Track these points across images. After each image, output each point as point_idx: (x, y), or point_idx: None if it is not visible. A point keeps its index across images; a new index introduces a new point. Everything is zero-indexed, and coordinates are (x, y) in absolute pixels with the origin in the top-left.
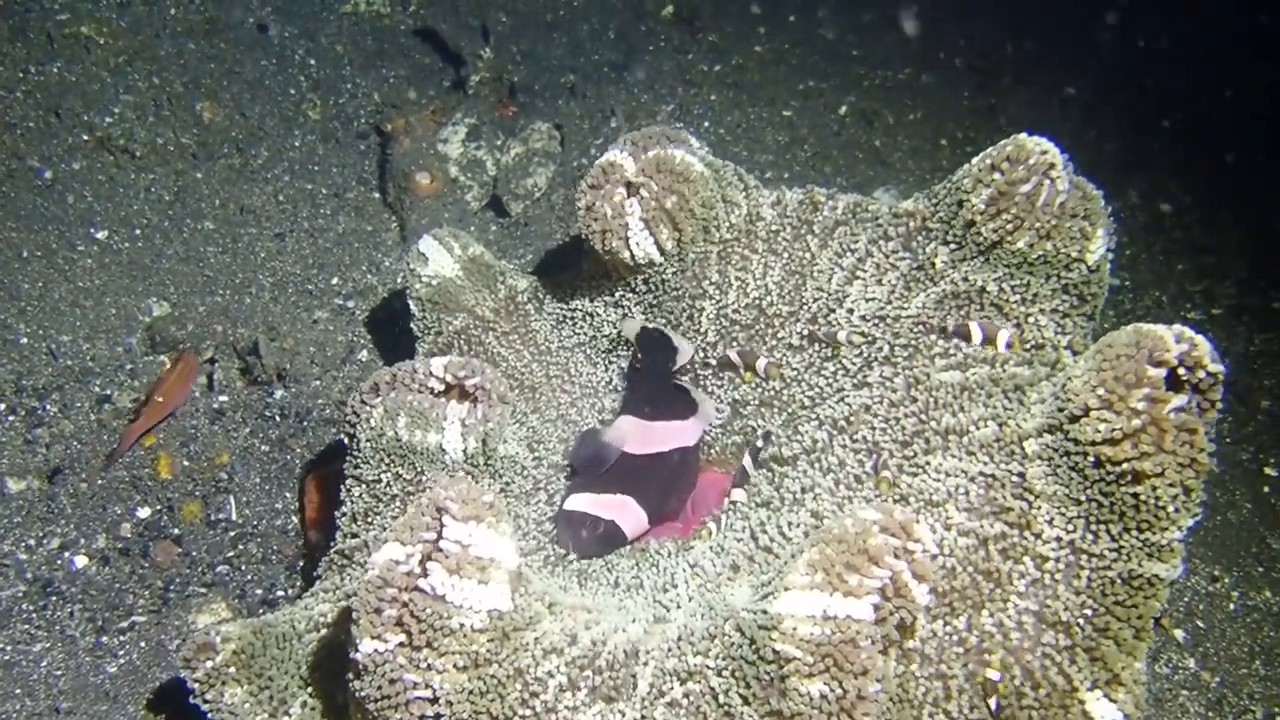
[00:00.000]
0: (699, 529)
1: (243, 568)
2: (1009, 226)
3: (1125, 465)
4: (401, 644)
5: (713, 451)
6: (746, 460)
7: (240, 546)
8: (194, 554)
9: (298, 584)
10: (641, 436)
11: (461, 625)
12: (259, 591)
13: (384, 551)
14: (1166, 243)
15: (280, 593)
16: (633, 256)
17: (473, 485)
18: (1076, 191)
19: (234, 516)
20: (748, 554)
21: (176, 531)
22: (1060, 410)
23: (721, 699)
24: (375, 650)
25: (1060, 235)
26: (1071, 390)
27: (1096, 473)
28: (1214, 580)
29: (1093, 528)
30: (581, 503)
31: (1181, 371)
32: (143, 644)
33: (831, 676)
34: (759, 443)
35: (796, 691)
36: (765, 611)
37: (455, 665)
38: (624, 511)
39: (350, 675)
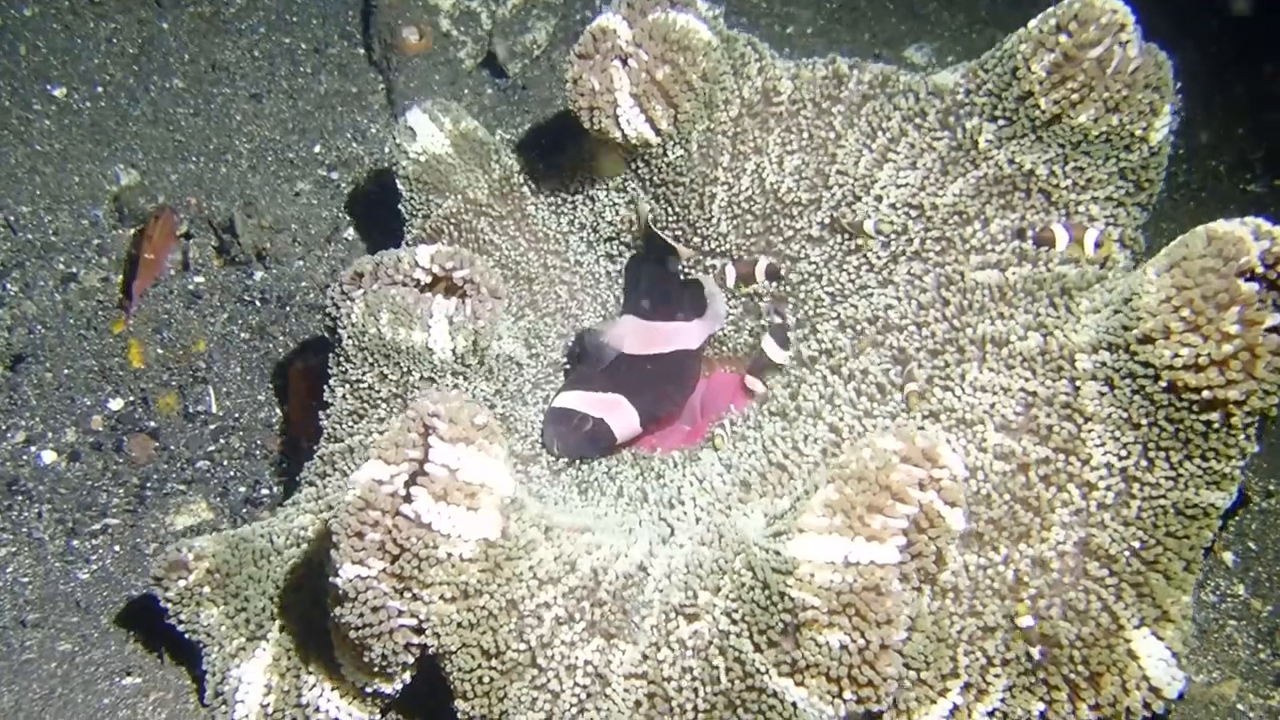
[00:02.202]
0: (708, 435)
1: (224, 463)
2: (1074, 98)
3: (1206, 393)
4: (385, 570)
5: (724, 349)
6: (768, 342)
7: (221, 440)
8: (172, 448)
9: (284, 481)
10: (642, 336)
11: (450, 555)
12: (242, 489)
13: (366, 470)
14: (1225, 102)
15: (265, 490)
16: (624, 136)
17: (463, 401)
18: (1148, 58)
19: (214, 408)
20: (760, 470)
21: (152, 424)
22: (1125, 328)
23: (733, 642)
24: (357, 576)
25: (1129, 108)
26: (1144, 308)
27: (1166, 397)
28: (1268, 495)
29: (1150, 455)
30: (571, 400)
31: (1261, 269)
32: (117, 548)
33: (853, 627)
34: (778, 317)
35: (814, 642)
36: (779, 553)
37: (443, 596)
38: (615, 411)
39: (330, 600)
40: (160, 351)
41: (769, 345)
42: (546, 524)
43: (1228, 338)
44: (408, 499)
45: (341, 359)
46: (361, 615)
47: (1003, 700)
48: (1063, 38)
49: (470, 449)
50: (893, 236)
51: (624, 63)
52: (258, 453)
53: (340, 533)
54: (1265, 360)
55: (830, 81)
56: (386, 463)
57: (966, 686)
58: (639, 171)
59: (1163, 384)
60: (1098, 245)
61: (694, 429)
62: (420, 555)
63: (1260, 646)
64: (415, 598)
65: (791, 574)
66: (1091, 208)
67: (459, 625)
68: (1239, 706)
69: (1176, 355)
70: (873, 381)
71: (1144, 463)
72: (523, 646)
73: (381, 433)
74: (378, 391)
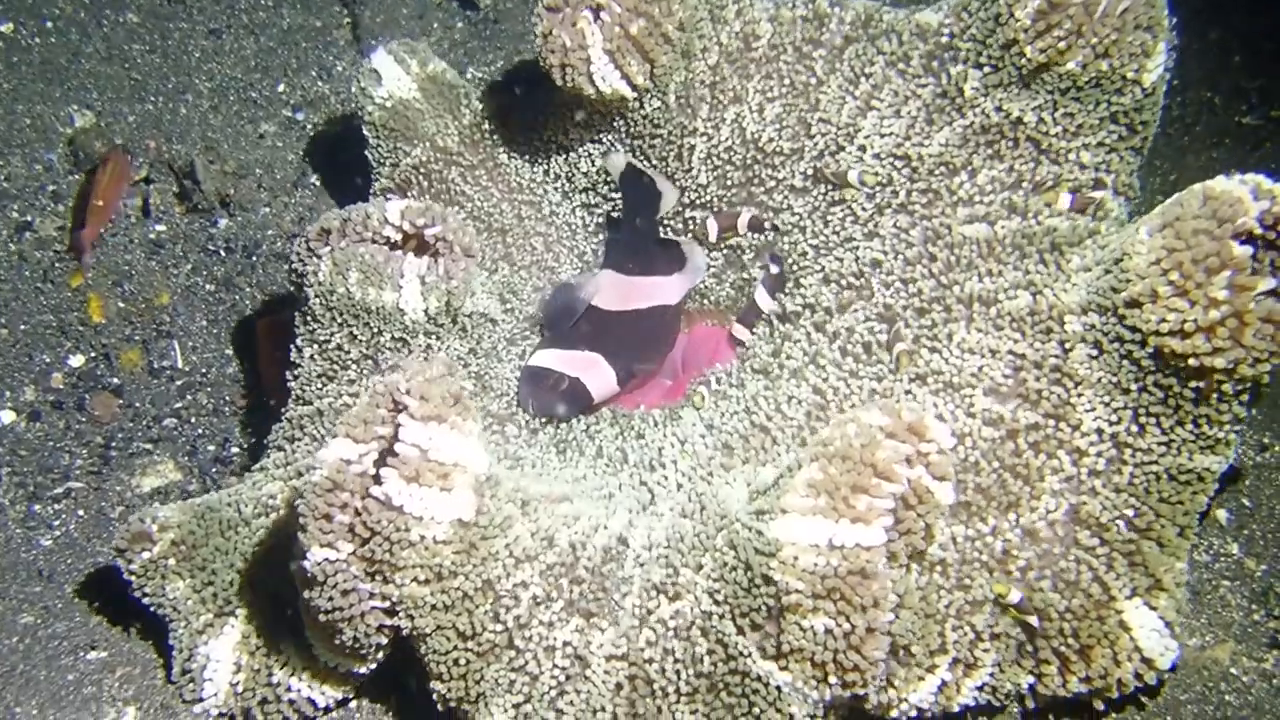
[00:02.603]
0: (690, 392)
1: (192, 420)
2: (1060, 45)
3: (1193, 361)
4: (355, 554)
5: (705, 302)
6: (760, 293)
7: (188, 397)
8: (137, 406)
9: (254, 439)
10: (619, 291)
11: (423, 537)
12: (211, 448)
13: (333, 448)
14: (1222, 31)
15: (235, 448)
16: (599, 93)
17: (434, 374)
18: None
19: (179, 363)
20: (742, 432)
21: (115, 381)
22: (1114, 290)
23: (715, 624)
24: (325, 559)
25: (1120, 52)
26: (1133, 270)
27: (1154, 364)
28: (1263, 449)
29: (1141, 420)
30: (546, 359)
31: (1260, 231)
32: (81, 512)
33: (838, 611)
34: (773, 266)
35: (798, 627)
36: (762, 534)
37: (416, 579)
38: (592, 370)
39: (299, 583)
40: (122, 305)
41: (760, 295)
42: (523, 497)
43: (1215, 303)
44: (377, 480)
45: (309, 318)
46: (331, 599)
47: (991, 675)
48: None
49: (443, 427)
50: (878, 188)
51: (596, 15)
52: (226, 409)
53: (307, 515)
54: (1254, 327)
55: (811, 23)
56: (355, 441)
57: (955, 662)
58: (614, 125)
59: (1149, 349)
60: (1072, 204)
61: (675, 384)
62: (391, 539)
63: (1254, 608)
64: (387, 581)
65: (774, 556)
66: (1083, 155)
67: (433, 607)
68: (1233, 670)
69: (1163, 320)
70: (858, 341)
71: (1135, 428)
72: (499, 628)
73: (352, 395)
74: (347, 352)
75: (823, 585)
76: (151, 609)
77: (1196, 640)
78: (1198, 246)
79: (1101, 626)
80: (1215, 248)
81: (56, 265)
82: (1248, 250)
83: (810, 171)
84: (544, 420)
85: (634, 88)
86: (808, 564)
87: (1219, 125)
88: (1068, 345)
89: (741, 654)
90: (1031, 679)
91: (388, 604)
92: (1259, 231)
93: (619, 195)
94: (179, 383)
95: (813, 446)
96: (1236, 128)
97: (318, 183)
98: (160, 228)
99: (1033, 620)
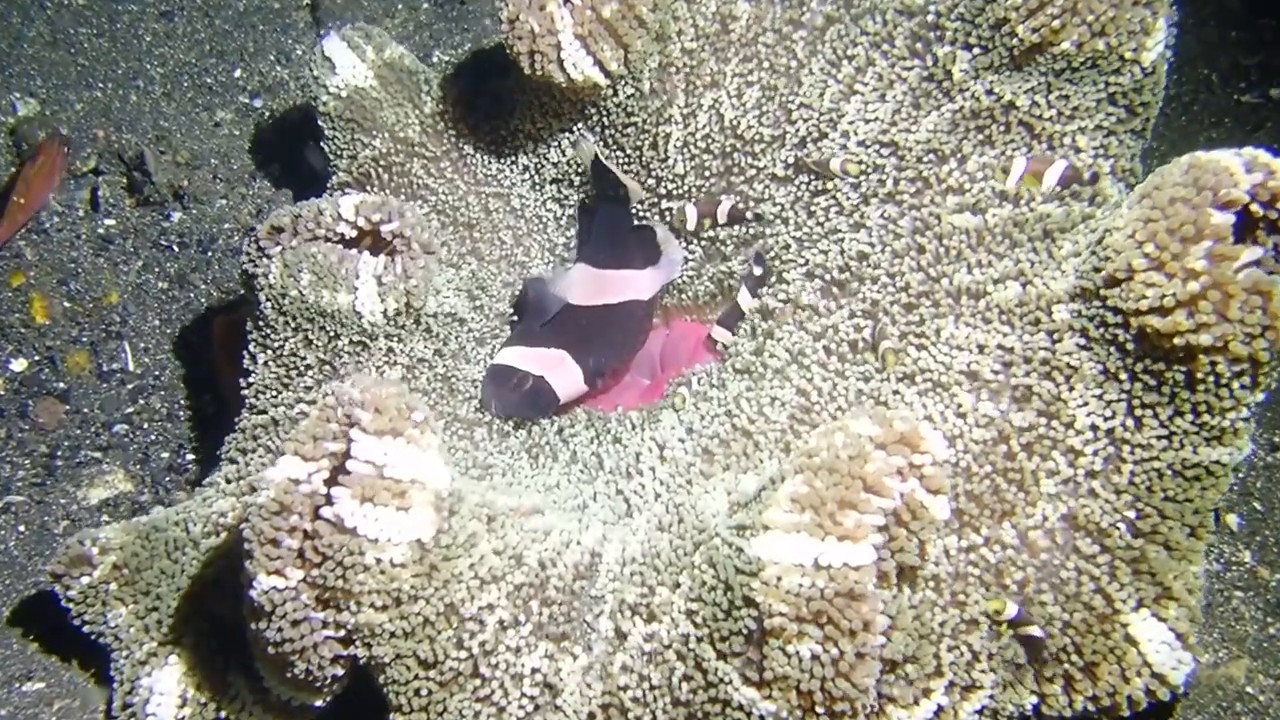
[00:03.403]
0: (669, 392)
1: (144, 426)
2: (1054, 24)
3: (1177, 340)
4: (305, 580)
5: (683, 297)
6: (743, 294)
7: (140, 401)
8: (84, 412)
9: (210, 445)
10: (590, 286)
11: (379, 560)
12: (164, 455)
13: (280, 467)
14: (1218, 5)
15: (190, 456)
16: (570, 80)
17: (389, 386)
18: None
19: (130, 366)
20: (723, 437)
21: (61, 386)
22: (1096, 270)
23: (694, 648)
24: (273, 588)
25: (1117, 29)
26: (1112, 245)
27: (1140, 348)
28: (1274, 449)
29: (1136, 413)
30: (511, 357)
31: (1256, 208)
32: (22, 528)
33: (825, 636)
34: (757, 268)
35: (781, 653)
36: (742, 551)
37: (373, 605)
38: (558, 368)
39: (246, 614)
40: (67, 305)
41: (744, 298)
42: (489, 512)
43: (1193, 274)
44: (328, 500)
45: (261, 322)
46: (281, 630)
47: (991, 697)
48: None
49: (398, 441)
50: (861, 177)
51: None
52: (181, 414)
53: (253, 540)
54: (1240, 299)
55: (791, 2)
56: (303, 459)
57: (952, 685)
58: (585, 114)
59: (1133, 332)
60: (1061, 182)
61: (654, 384)
62: (345, 563)
63: (1270, 620)
64: (341, 608)
65: (756, 576)
66: (1079, 139)
67: (392, 635)
68: (1248, 689)
69: (1141, 298)
70: (844, 339)
71: (1130, 422)
72: (463, 655)
73: (310, 403)
74: (303, 358)
75: (808, 608)
76: (92, 637)
77: (1209, 657)
78: (1172, 214)
79: (1107, 641)
80: (1192, 215)
81: None
82: (1228, 218)
83: (792, 160)
84: (513, 423)
85: (607, 74)
86: (792, 585)
87: (1218, 104)
88: (1057, 336)
89: (722, 681)
90: (1035, 700)
91: (343, 633)
92: (1255, 209)
93: (589, 186)
94: (130, 386)
95: (797, 457)
96: (1236, 106)
97: (277, 173)
98: (109, 222)
99: (1035, 632)
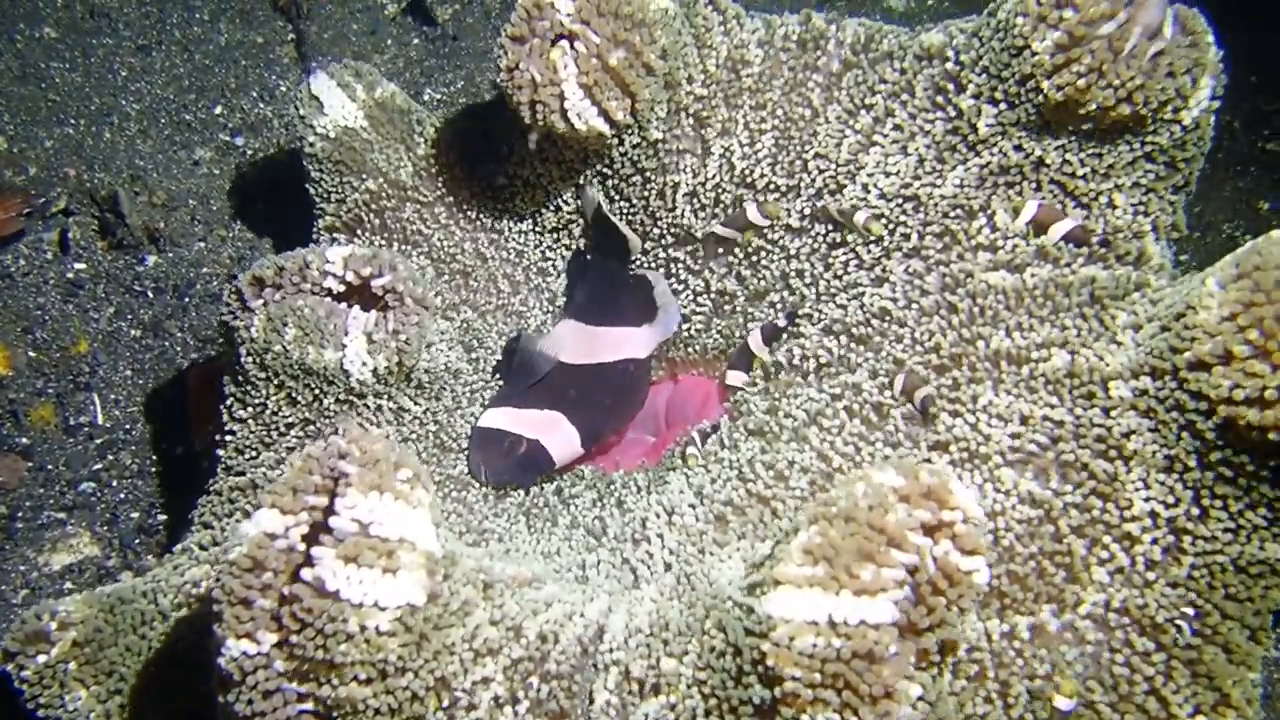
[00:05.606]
0: (675, 451)
1: (113, 484)
2: (1080, 84)
3: (1274, 435)
4: (279, 646)
5: (691, 350)
6: (754, 338)
7: (109, 457)
8: (48, 469)
9: (183, 505)
10: (583, 343)
11: (363, 628)
12: (134, 515)
13: (256, 520)
14: (1235, 50)
15: (162, 516)
16: (574, 130)
17: (378, 438)
18: (1177, 35)
19: (99, 419)
20: (737, 503)
21: (24, 441)
22: (1174, 350)
23: None
24: (243, 654)
25: (1146, 98)
26: (1200, 325)
27: (1222, 437)
28: None
29: (1203, 502)
30: (500, 419)
31: None
32: None
33: (843, 704)
34: (779, 320)
35: None
36: (752, 610)
37: (356, 678)
38: (553, 431)
39: (214, 684)
40: (33, 354)
41: (754, 340)
42: (485, 578)
43: None
44: (309, 560)
45: (240, 378)
46: (251, 702)
47: None
48: (1067, 13)
49: (386, 498)
50: (885, 232)
51: (569, 43)
52: (153, 471)
53: (223, 600)
54: None
55: (805, 47)
56: (282, 512)
57: None
58: (588, 162)
59: (1218, 420)
60: (1031, 220)
61: (658, 441)
62: (325, 630)
63: None
64: (321, 682)
65: (766, 637)
66: (1115, 196)
67: (376, 712)
68: None
69: (1237, 386)
70: (867, 400)
71: (1196, 511)
72: None
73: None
74: (285, 416)
75: (823, 671)
76: None
77: None
78: (1277, 297)
79: None
80: None
81: None
82: None
83: (807, 210)
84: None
85: (613, 124)
86: (805, 646)
87: (1240, 151)
88: (1114, 413)
89: None
90: None
91: (321, 707)
92: None
93: (590, 236)
94: (98, 441)
95: (814, 507)
96: (1261, 154)
97: (259, 215)
98: (80, 266)
99: None
